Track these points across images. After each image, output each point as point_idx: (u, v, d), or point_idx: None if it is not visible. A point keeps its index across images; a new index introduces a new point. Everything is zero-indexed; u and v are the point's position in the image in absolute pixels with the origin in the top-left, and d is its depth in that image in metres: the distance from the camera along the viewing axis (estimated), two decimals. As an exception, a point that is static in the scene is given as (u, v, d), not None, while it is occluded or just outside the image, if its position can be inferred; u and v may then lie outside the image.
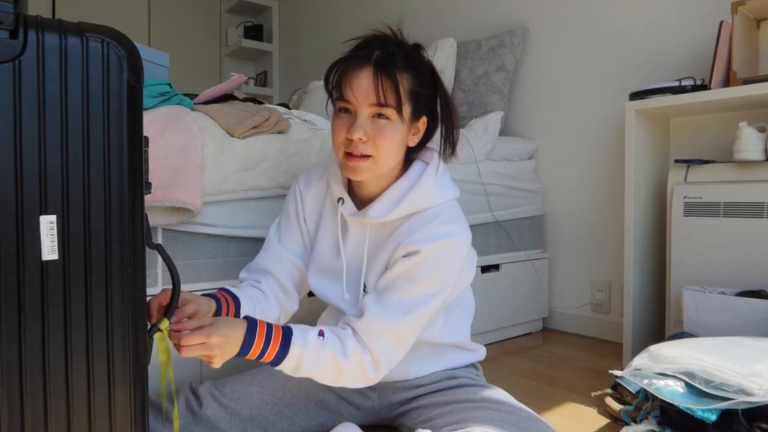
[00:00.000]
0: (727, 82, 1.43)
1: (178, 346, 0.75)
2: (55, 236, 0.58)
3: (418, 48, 0.94)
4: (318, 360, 0.84)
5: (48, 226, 0.58)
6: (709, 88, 1.44)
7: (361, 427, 1.01)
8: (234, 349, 0.79)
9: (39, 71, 0.56)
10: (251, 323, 0.81)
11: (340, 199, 0.99)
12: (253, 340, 0.80)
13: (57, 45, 0.57)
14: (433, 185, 0.94)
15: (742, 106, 1.50)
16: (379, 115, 0.88)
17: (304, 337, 0.84)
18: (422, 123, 0.95)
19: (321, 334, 0.85)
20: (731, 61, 1.42)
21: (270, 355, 0.81)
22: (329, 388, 1.06)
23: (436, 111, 0.97)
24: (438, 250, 0.89)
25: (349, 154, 0.89)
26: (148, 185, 0.66)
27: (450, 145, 0.97)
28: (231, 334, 0.78)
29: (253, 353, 0.80)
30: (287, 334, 0.83)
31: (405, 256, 0.90)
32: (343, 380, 0.87)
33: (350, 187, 1.01)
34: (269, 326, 0.83)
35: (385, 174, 0.94)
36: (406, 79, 0.89)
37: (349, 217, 0.98)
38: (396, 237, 0.93)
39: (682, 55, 1.71)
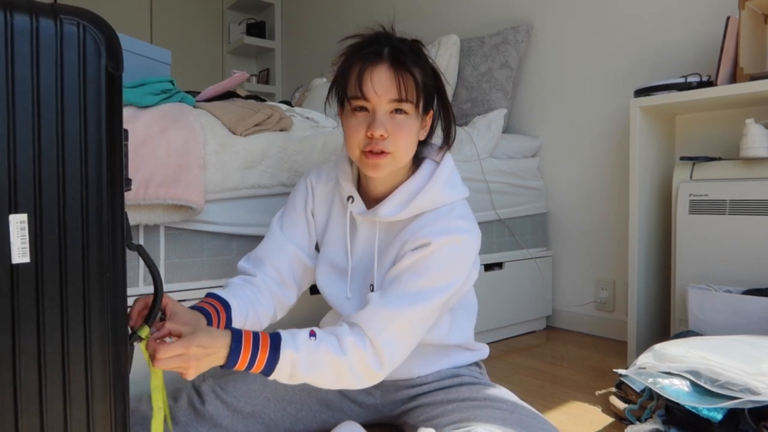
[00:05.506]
0: (734, 78, 1.42)
1: (152, 357, 0.71)
2: (27, 237, 0.53)
3: (418, 44, 0.94)
4: (313, 362, 0.80)
5: (18, 226, 0.53)
6: (716, 85, 1.42)
7: (364, 425, 1.01)
8: (214, 360, 0.75)
9: (7, 55, 0.51)
10: (235, 334, 0.77)
11: (349, 197, 0.98)
12: (239, 350, 0.76)
13: (27, 27, 0.51)
14: (444, 184, 0.93)
15: (749, 102, 1.49)
16: (397, 111, 0.88)
17: (294, 341, 0.80)
18: (429, 117, 0.96)
19: (312, 334, 0.82)
20: (738, 57, 1.41)
21: (260, 364, 0.78)
22: (332, 386, 1.06)
23: (436, 104, 0.98)
24: (449, 244, 0.88)
25: (368, 152, 0.88)
26: (128, 182, 0.62)
27: (448, 137, 0.98)
28: (211, 345, 0.74)
29: (240, 364, 0.77)
30: (275, 339, 0.80)
31: (414, 249, 0.89)
32: (345, 381, 0.83)
33: (359, 185, 1.01)
34: (255, 334, 0.79)
35: (396, 171, 0.94)
36: (417, 73, 0.89)
37: (359, 215, 0.97)
38: (405, 234, 0.92)
39: (688, 51, 1.70)
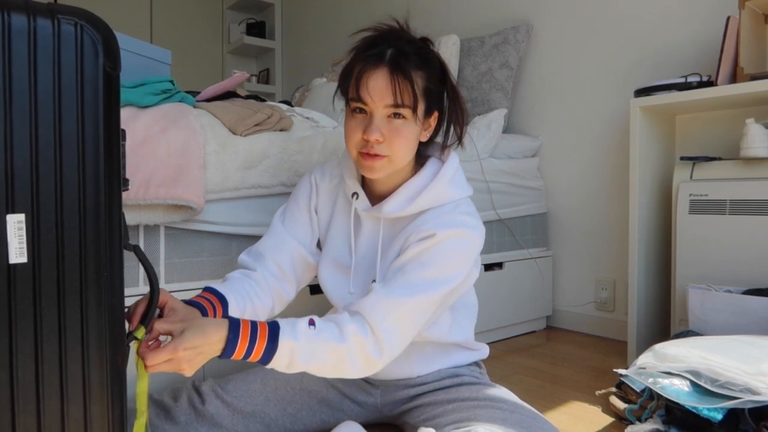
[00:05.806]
0: (734, 78, 1.42)
1: (144, 363, 0.71)
2: (24, 237, 0.53)
3: (427, 42, 0.93)
4: (313, 351, 0.79)
5: (16, 225, 0.52)
6: (716, 84, 1.42)
7: (364, 424, 1.01)
8: (209, 354, 0.74)
9: (5, 55, 0.51)
10: (232, 325, 0.76)
11: (354, 193, 0.98)
12: (236, 342, 0.75)
13: (25, 27, 0.51)
14: (449, 182, 0.94)
15: (749, 102, 1.49)
16: (395, 115, 0.88)
17: (293, 330, 0.79)
18: (434, 119, 0.95)
19: (312, 323, 0.81)
20: (738, 57, 1.41)
21: (257, 353, 0.77)
22: (332, 385, 1.06)
23: (444, 105, 0.96)
24: (454, 237, 0.88)
25: (364, 154, 0.89)
26: (126, 182, 0.62)
27: (457, 137, 0.97)
28: (203, 343, 0.72)
29: (237, 354, 0.76)
30: (274, 329, 0.78)
31: (419, 240, 0.89)
32: (344, 369, 0.82)
33: (364, 182, 1.01)
34: (253, 324, 0.78)
35: (399, 170, 0.94)
36: (419, 77, 0.88)
37: (363, 212, 0.97)
38: (409, 230, 0.93)
39: (688, 51, 1.70)
